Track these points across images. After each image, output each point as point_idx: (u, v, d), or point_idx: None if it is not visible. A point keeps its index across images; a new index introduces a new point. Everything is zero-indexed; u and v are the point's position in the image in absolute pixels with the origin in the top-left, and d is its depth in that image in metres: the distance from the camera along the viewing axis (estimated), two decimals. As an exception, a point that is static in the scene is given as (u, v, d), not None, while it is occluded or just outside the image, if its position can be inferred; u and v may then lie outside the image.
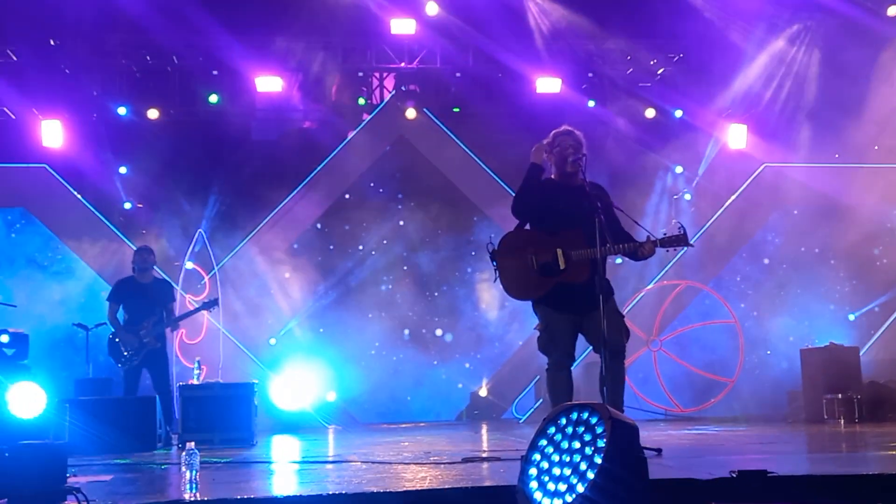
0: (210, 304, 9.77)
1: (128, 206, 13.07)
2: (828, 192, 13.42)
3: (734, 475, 4.27)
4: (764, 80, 13.34)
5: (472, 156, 13.62)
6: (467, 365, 13.70)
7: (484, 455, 6.50)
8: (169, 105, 13.32)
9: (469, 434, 10.02)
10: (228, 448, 8.37)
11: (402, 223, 13.69)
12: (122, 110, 13.06)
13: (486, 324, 13.58)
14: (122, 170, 13.07)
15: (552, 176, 6.36)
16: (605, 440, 3.68)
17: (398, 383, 13.23)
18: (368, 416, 12.89)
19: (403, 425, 12.27)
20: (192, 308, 10.03)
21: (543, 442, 3.80)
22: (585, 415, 3.83)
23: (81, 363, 10.74)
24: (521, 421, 12.69)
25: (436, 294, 13.76)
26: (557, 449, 3.81)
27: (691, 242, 6.22)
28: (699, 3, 12.84)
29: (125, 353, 9.34)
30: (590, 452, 3.70)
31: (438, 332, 13.72)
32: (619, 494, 3.49)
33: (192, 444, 4.70)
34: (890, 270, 13.25)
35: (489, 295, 13.34)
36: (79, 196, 12.81)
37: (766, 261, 13.76)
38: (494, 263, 6.14)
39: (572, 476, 3.70)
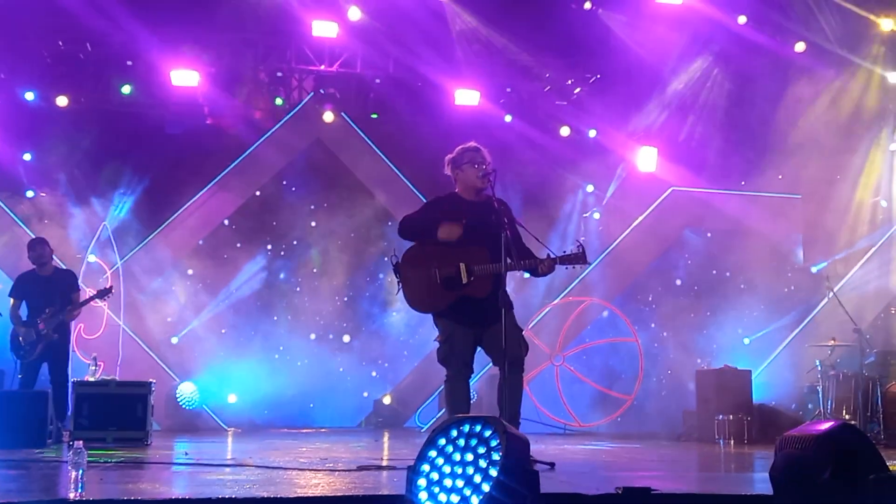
0: (104, 293, 9.57)
1: (30, 194, 12.70)
2: (736, 216, 13.83)
3: (619, 491, 4.37)
4: (675, 105, 13.67)
5: (388, 162, 13.65)
6: (374, 374, 13.67)
7: (380, 463, 6.51)
8: (80, 93, 12.99)
9: (369, 442, 10.01)
10: (122, 447, 8.21)
11: (313, 225, 13.60)
12: (29, 95, 12.70)
13: (393, 331, 13.55)
14: (27, 157, 12.69)
15: (457, 190, 6.42)
16: (500, 453, 3.73)
17: (301, 388, 13.09)
18: (270, 420, 12.73)
19: (304, 431, 12.19)
20: (87, 297, 9.80)
21: (433, 453, 3.83)
22: (478, 427, 3.88)
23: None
24: (423, 430, 12.72)
25: (345, 299, 13.70)
26: (449, 460, 3.85)
27: (590, 261, 6.35)
28: (617, 27, 13.11)
29: (24, 346, 9.13)
30: (484, 465, 3.75)
31: (346, 338, 13.65)
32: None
33: (81, 442, 4.61)
34: (790, 297, 13.70)
35: (399, 302, 13.35)
36: (-21, 181, 12.41)
37: (678, 281, 14.08)
38: (398, 275, 6.19)
39: (465, 488, 3.74)
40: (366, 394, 13.61)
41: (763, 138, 13.46)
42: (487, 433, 3.86)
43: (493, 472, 3.68)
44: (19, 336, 9.17)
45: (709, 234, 14.16)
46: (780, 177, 13.60)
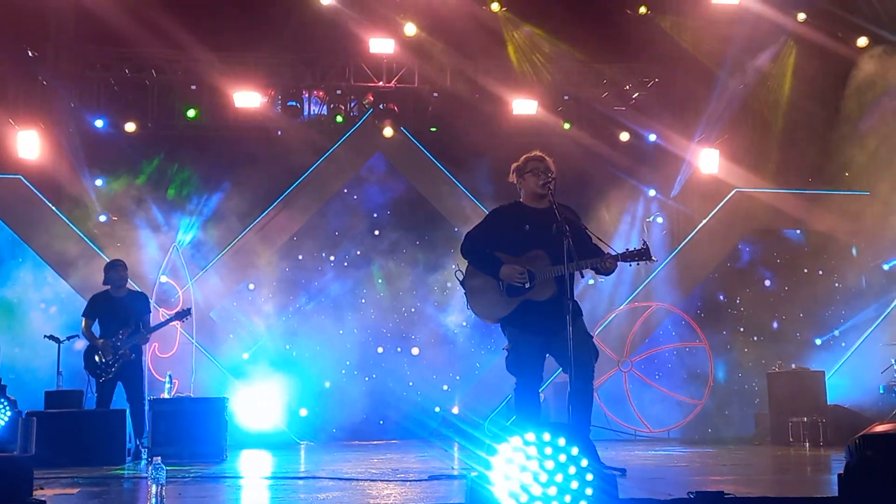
0: (182, 315, 9.74)
1: (103, 218, 13.05)
2: (799, 217, 13.64)
3: (692, 496, 4.35)
4: (737, 106, 13.54)
5: (448, 174, 13.73)
6: (445, 387, 13.69)
7: (451, 472, 6.56)
8: (146, 119, 13.36)
9: (440, 452, 10.05)
10: (198, 463, 8.37)
11: (377, 240, 13.72)
12: (99, 123, 13.08)
13: (461, 341, 13.57)
14: (98, 182, 13.05)
15: (521, 199, 6.47)
16: (588, 460, 3.80)
17: (371, 400, 13.22)
18: (341, 433, 12.87)
19: (375, 442, 12.29)
20: (161, 318, 10.02)
21: (503, 461, 3.87)
22: (548, 435, 3.92)
23: (52, 375, 10.69)
24: (493, 440, 12.70)
25: (412, 310, 13.75)
26: (524, 468, 3.89)
27: (653, 257, 6.31)
28: (673, 30, 13.05)
29: (101, 365, 9.32)
30: (575, 472, 3.80)
31: (415, 350, 13.69)
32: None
33: (159, 458, 4.73)
34: (858, 297, 13.44)
35: (464, 312, 13.41)
36: (53, 208, 12.77)
37: (739, 284, 13.91)
38: (464, 288, 6.27)
39: (564, 494, 3.79)
40: (437, 409, 13.65)
41: (827, 136, 13.26)
42: (562, 441, 3.89)
43: (590, 477, 3.75)
44: (96, 356, 9.37)
45: (769, 237, 13.95)
46: (846, 174, 13.36)
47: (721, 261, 13.88)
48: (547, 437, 3.85)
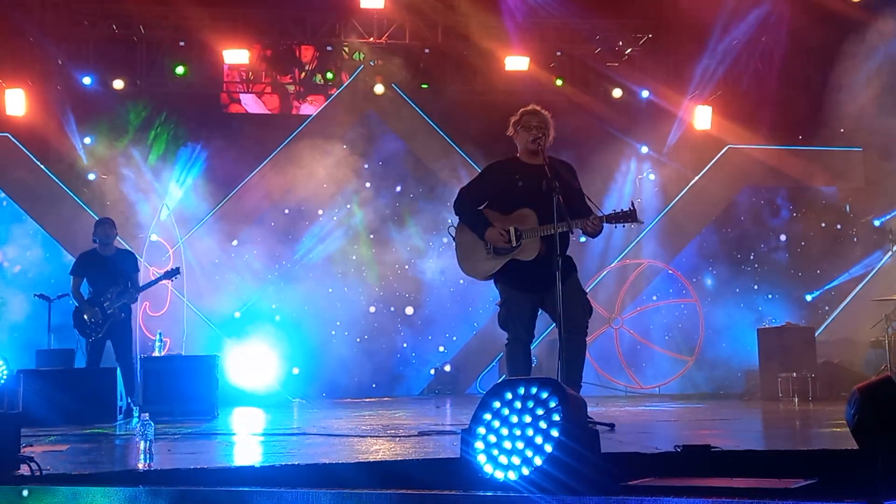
0: (172, 273, 9.71)
1: (92, 177, 12.97)
2: (792, 174, 13.62)
3: (678, 449, 4.36)
4: (730, 62, 13.44)
5: (439, 131, 13.65)
6: (442, 349, 13.68)
7: (441, 429, 6.59)
8: (135, 76, 13.23)
9: (430, 409, 10.11)
10: (190, 420, 8.39)
11: (368, 199, 13.66)
12: (87, 80, 12.95)
13: (458, 300, 13.51)
14: (87, 140, 12.95)
15: (518, 154, 6.44)
16: (559, 414, 3.75)
17: (363, 360, 13.24)
18: (333, 391, 12.90)
19: (367, 400, 12.34)
20: (152, 277, 9.99)
21: (488, 415, 3.85)
22: (534, 389, 3.90)
23: (43, 334, 10.69)
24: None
25: (406, 267, 13.70)
26: (505, 422, 3.87)
27: (640, 219, 6.30)
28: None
29: (90, 325, 9.31)
30: (544, 426, 3.77)
31: (409, 310, 13.66)
32: (574, 467, 3.57)
33: (147, 415, 4.74)
34: (849, 253, 13.46)
35: (457, 270, 13.35)
36: (42, 166, 12.70)
37: (731, 241, 13.91)
38: (455, 243, 6.28)
39: (527, 449, 3.76)
40: (433, 371, 13.67)
41: (821, 92, 13.18)
42: (544, 394, 3.87)
43: (555, 433, 3.70)
44: (84, 315, 9.35)
45: (761, 193, 13.94)
46: (841, 130, 13.31)
47: (713, 217, 13.87)
48: (532, 390, 3.83)
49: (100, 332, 9.29)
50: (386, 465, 4.38)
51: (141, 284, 9.68)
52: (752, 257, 13.75)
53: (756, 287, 13.37)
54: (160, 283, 9.85)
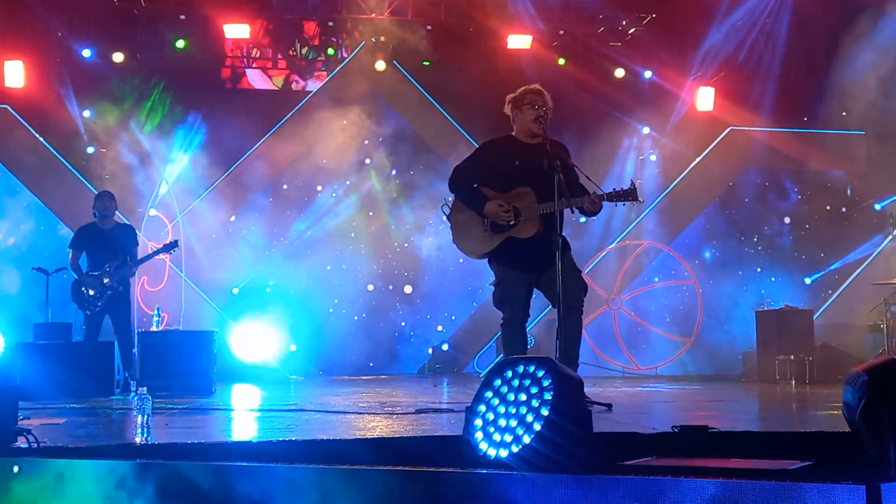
0: (170, 247, 9.70)
1: (91, 150, 12.92)
2: (795, 156, 13.59)
3: (676, 430, 4.36)
4: (733, 43, 13.37)
5: (440, 109, 13.59)
6: (440, 328, 13.67)
7: (438, 406, 6.59)
8: (135, 49, 13.13)
9: (428, 387, 10.12)
10: (187, 396, 8.40)
11: (368, 175, 13.62)
12: (86, 53, 12.87)
13: (457, 278, 13.48)
14: (87, 113, 12.89)
15: (514, 132, 6.40)
16: (551, 392, 3.74)
17: (360, 336, 13.24)
18: (331, 368, 12.90)
19: (364, 378, 12.35)
20: (149, 251, 9.99)
21: (489, 394, 3.86)
22: (532, 368, 3.89)
23: (41, 308, 10.68)
24: (481, 375, 12.80)
25: (405, 245, 13.66)
26: (503, 401, 3.87)
27: (641, 198, 6.28)
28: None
29: (89, 297, 9.30)
30: (536, 404, 3.76)
31: (408, 289, 13.63)
32: (564, 445, 3.57)
33: (144, 389, 4.74)
34: (850, 237, 13.45)
35: (454, 249, 13.31)
36: (41, 139, 12.65)
37: (731, 223, 13.90)
38: (450, 222, 6.24)
39: (518, 427, 3.76)
40: (430, 350, 13.67)
41: (824, 75, 13.13)
42: (540, 373, 3.86)
43: (545, 412, 3.69)
44: (82, 287, 9.34)
45: (763, 175, 13.91)
46: (843, 114, 13.26)
47: (714, 199, 13.84)
48: (530, 368, 3.82)
49: (97, 305, 9.28)
50: (383, 441, 4.38)
51: (139, 258, 9.67)
52: (751, 239, 13.73)
53: (755, 268, 13.36)
54: (158, 257, 9.84)
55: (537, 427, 3.66)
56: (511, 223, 6.11)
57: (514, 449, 3.62)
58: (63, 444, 4.08)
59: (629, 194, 6.13)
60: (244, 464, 3.46)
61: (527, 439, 3.68)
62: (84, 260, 9.52)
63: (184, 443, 4.22)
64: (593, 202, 6.06)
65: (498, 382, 3.90)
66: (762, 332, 11.21)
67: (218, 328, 10.35)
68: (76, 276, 9.43)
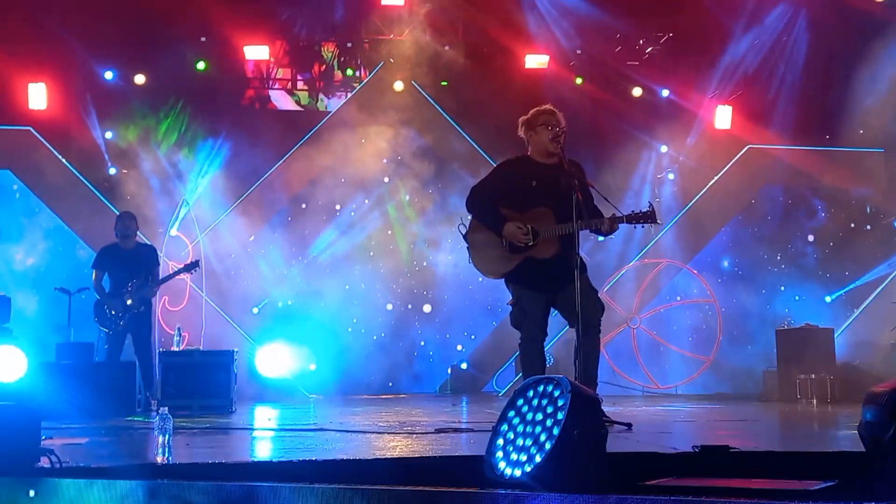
0: (191, 267, 9.80)
1: (113, 171, 13.04)
2: (813, 174, 13.55)
3: (697, 450, 4.35)
4: (751, 61, 13.38)
5: (458, 129, 13.63)
6: (460, 347, 13.65)
7: (458, 426, 6.59)
8: (156, 71, 13.26)
9: (447, 406, 10.11)
10: (207, 415, 8.43)
11: (386, 195, 13.67)
12: (108, 74, 13.01)
13: (477, 297, 13.45)
14: (108, 135, 13.02)
15: (529, 153, 6.43)
16: (564, 412, 3.74)
17: (380, 356, 13.26)
18: (351, 387, 12.90)
19: (384, 397, 12.35)
20: (170, 271, 10.08)
21: (512, 413, 3.87)
22: (550, 388, 3.91)
23: (62, 328, 10.76)
24: (500, 394, 12.80)
25: (424, 264, 13.67)
26: (524, 421, 3.89)
27: (659, 220, 6.29)
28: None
29: (111, 316, 9.39)
30: (550, 424, 3.77)
31: (427, 308, 13.61)
32: (575, 465, 3.57)
33: (166, 409, 4.77)
34: (870, 255, 13.37)
35: (473, 268, 13.29)
36: (64, 160, 12.78)
37: (750, 241, 13.85)
38: (466, 241, 6.27)
39: (533, 447, 3.78)
40: (450, 369, 13.66)
41: (842, 93, 13.10)
42: (556, 393, 3.88)
43: (556, 431, 3.70)
44: (105, 307, 9.43)
45: (781, 193, 13.87)
46: (860, 132, 13.23)
47: (733, 217, 13.80)
48: (549, 389, 3.83)
49: (119, 324, 9.36)
50: (403, 461, 4.39)
51: (161, 278, 9.75)
52: (771, 257, 13.67)
53: (775, 287, 13.31)
54: (179, 277, 9.93)
55: (548, 446, 3.67)
56: (530, 244, 6.13)
57: (528, 468, 3.63)
58: (85, 464, 4.11)
59: (647, 216, 6.14)
60: (265, 483, 3.48)
61: (538, 458, 3.69)
62: (106, 280, 9.60)
63: (205, 463, 4.24)
64: (611, 224, 6.07)
65: (521, 402, 3.92)
66: (782, 351, 11.15)
67: (238, 348, 10.39)
68: (98, 297, 9.51)
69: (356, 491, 3.33)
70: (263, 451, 5.33)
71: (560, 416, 3.65)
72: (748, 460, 4.37)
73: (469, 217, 6.46)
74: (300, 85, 13.95)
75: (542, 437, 3.64)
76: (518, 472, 3.55)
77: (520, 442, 3.80)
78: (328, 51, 13.79)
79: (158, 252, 10.15)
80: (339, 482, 3.50)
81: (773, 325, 11.92)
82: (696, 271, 13.30)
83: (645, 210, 6.15)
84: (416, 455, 4.53)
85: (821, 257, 13.55)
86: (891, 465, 3.51)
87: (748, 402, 10.87)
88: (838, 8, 12.71)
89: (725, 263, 13.78)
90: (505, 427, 3.91)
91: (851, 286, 13.14)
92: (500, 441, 3.89)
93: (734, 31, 13.13)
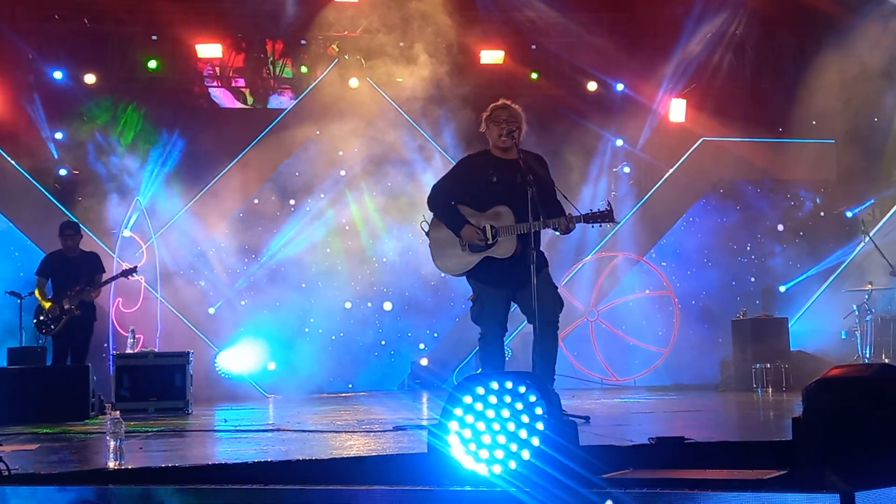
0: (128, 272, 9.88)
1: (63, 172, 12.83)
2: (767, 165, 13.70)
3: (652, 442, 4.37)
4: (704, 55, 13.49)
5: (415, 125, 13.58)
6: (422, 346, 13.58)
7: (417, 423, 6.57)
8: (107, 70, 13.07)
9: (407, 403, 10.09)
10: (163, 417, 8.35)
11: (343, 192, 13.58)
12: (58, 74, 12.80)
13: (439, 294, 13.37)
14: (59, 135, 12.80)
15: (489, 148, 6.43)
16: (542, 408, 3.74)
17: (339, 354, 13.17)
18: (310, 386, 12.80)
19: (344, 395, 12.30)
20: (109, 276, 10.03)
21: (459, 411, 3.83)
22: (510, 384, 3.89)
23: (14, 332, 10.59)
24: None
25: (383, 260, 13.57)
26: (481, 417, 3.85)
27: (617, 220, 6.32)
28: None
29: (44, 321, 9.39)
30: (527, 420, 3.76)
31: (388, 306, 13.51)
32: (558, 459, 3.59)
33: (118, 413, 4.69)
34: (823, 244, 13.55)
35: (432, 264, 13.24)
36: (13, 161, 12.55)
37: (706, 233, 13.95)
38: (429, 239, 6.26)
39: (511, 443, 3.75)
40: (410, 366, 13.59)
41: (795, 85, 13.26)
42: (522, 389, 3.86)
43: (540, 426, 3.70)
44: (41, 311, 9.42)
45: (734, 185, 14.00)
46: (813, 122, 13.39)
47: (688, 209, 13.90)
48: (507, 385, 3.82)
49: (54, 327, 9.32)
50: (360, 460, 4.36)
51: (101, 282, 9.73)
52: (725, 248, 13.76)
53: (730, 278, 13.42)
54: (132, 278, 9.93)
55: (535, 442, 3.67)
56: (489, 243, 6.13)
57: (512, 465, 3.62)
58: (34, 471, 4.03)
59: (605, 216, 6.16)
60: (221, 486, 3.43)
61: (526, 454, 3.68)
62: (50, 287, 9.58)
63: (158, 467, 4.19)
64: (568, 224, 6.08)
65: (468, 399, 3.88)
66: (738, 341, 11.28)
67: (195, 349, 10.28)
68: (38, 301, 9.51)
69: (314, 492, 3.29)
70: (218, 453, 5.26)
71: (537, 410, 3.65)
72: (703, 451, 4.40)
73: (427, 215, 6.44)
74: (254, 83, 13.81)
75: (524, 434, 3.63)
76: (498, 469, 3.55)
77: (486, 439, 3.75)
78: (281, 48, 13.67)
79: (100, 258, 10.05)
80: (296, 483, 3.47)
81: (730, 316, 12.04)
82: (652, 264, 13.39)
83: (602, 209, 6.16)
84: (374, 453, 4.50)
85: (775, 248, 13.70)
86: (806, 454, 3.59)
87: (705, 392, 10.98)
88: (789, 1, 12.85)
89: (681, 255, 13.86)
90: (453, 424, 3.85)
91: (805, 275, 13.30)
92: (453, 439, 3.84)
93: (687, 25, 13.22)
